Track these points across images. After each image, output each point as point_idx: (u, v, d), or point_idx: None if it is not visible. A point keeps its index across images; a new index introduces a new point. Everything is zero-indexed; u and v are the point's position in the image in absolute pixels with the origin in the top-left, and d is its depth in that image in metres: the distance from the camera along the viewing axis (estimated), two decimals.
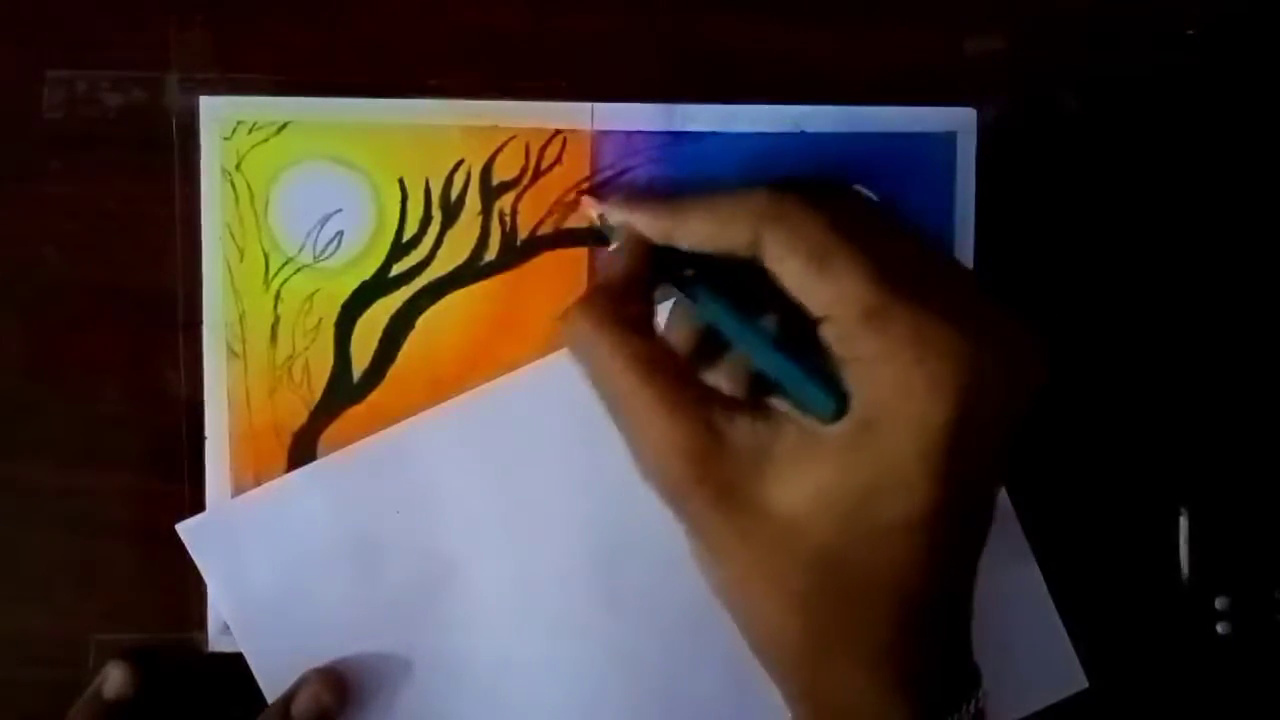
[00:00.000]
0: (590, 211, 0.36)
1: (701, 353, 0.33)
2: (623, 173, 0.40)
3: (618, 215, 0.33)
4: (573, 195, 0.40)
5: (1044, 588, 0.40)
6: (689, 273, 0.32)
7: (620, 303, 0.30)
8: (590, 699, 0.40)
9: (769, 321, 0.31)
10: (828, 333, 0.28)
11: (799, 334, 0.29)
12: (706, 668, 0.39)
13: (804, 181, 0.30)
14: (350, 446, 0.39)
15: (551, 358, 0.40)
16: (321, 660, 0.39)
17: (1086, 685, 0.40)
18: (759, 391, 0.32)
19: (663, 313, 0.34)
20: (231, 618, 0.39)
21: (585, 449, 0.39)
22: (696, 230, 0.30)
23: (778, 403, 0.29)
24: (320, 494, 0.39)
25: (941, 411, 0.26)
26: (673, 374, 0.29)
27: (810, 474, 0.27)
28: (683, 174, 0.40)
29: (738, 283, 0.30)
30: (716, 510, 0.28)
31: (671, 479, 0.29)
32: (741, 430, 0.28)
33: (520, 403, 0.39)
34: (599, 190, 0.40)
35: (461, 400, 0.39)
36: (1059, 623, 0.40)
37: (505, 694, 0.40)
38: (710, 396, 0.29)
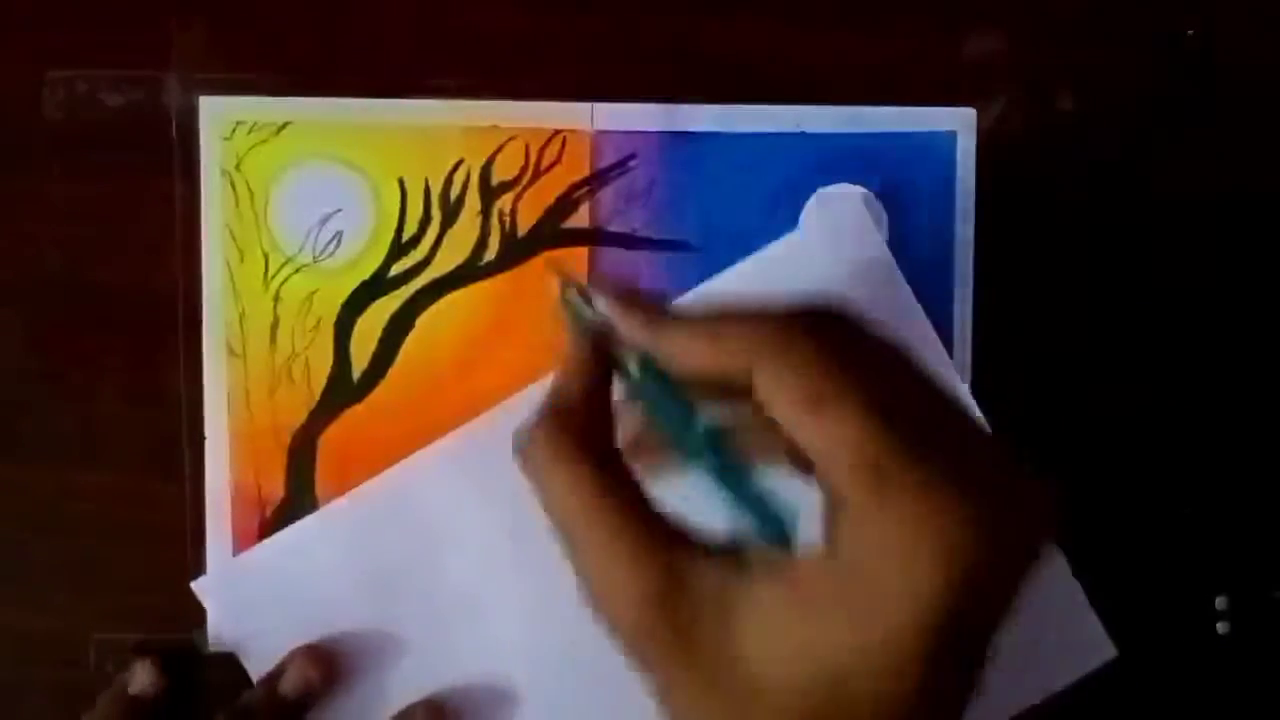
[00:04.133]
0: (566, 294, 0.30)
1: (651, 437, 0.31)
2: (623, 171, 0.40)
3: (602, 310, 0.29)
4: (573, 195, 0.40)
5: (1063, 561, 0.39)
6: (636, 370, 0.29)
7: (581, 426, 0.27)
8: (615, 716, 0.40)
9: (709, 424, 0.28)
10: (821, 478, 0.25)
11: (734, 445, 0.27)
12: None
13: (797, 306, 0.27)
14: (353, 491, 0.39)
15: (546, 381, 0.39)
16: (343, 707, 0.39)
17: (1116, 654, 0.39)
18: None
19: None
20: (253, 669, 0.39)
21: None
22: (682, 348, 0.27)
23: (742, 544, 0.27)
24: (329, 541, 0.39)
25: (943, 584, 0.24)
26: (633, 510, 0.26)
27: (787, 629, 0.25)
28: (683, 174, 0.40)
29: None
30: (678, 662, 0.26)
31: (628, 627, 0.26)
32: (705, 573, 0.26)
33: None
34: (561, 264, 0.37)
35: (460, 433, 0.39)
36: (1081, 594, 0.40)
37: (528, 716, 0.40)
38: (672, 536, 0.26)
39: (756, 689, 0.25)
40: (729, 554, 0.26)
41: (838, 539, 0.25)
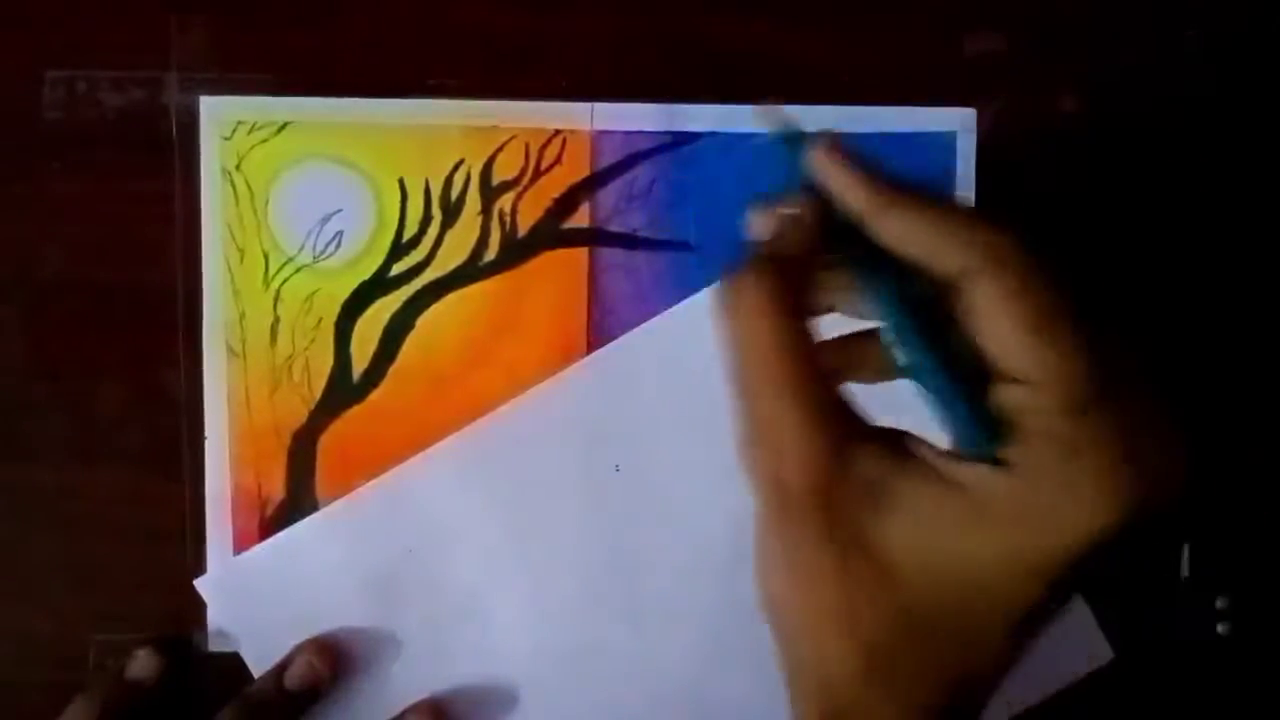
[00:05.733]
0: (771, 122, 0.29)
1: (846, 355, 0.31)
2: (623, 171, 0.40)
3: (829, 175, 0.28)
4: (572, 194, 0.40)
5: None
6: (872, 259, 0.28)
7: (793, 280, 0.27)
8: (617, 714, 0.40)
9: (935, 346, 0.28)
10: (1018, 397, 0.25)
11: (962, 359, 0.27)
12: (733, 671, 0.39)
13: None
14: (355, 492, 0.40)
15: (544, 385, 0.40)
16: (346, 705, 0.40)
17: (1113, 656, 0.40)
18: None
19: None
20: (255, 668, 0.39)
21: (587, 469, 0.40)
22: (904, 231, 0.27)
23: (913, 440, 0.27)
24: (332, 541, 0.39)
25: (1103, 523, 0.25)
26: (820, 379, 0.26)
27: (941, 531, 0.25)
28: (683, 174, 0.40)
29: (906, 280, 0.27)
30: (819, 532, 0.26)
31: (784, 487, 0.26)
32: (870, 458, 0.26)
33: (519, 430, 0.40)
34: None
35: (461, 435, 0.40)
36: (1079, 597, 0.40)
37: (531, 716, 0.40)
38: (850, 413, 0.27)
39: (888, 579, 0.26)
40: (896, 443, 0.27)
41: (1023, 460, 0.25)
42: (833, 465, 0.26)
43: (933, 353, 0.27)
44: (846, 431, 0.26)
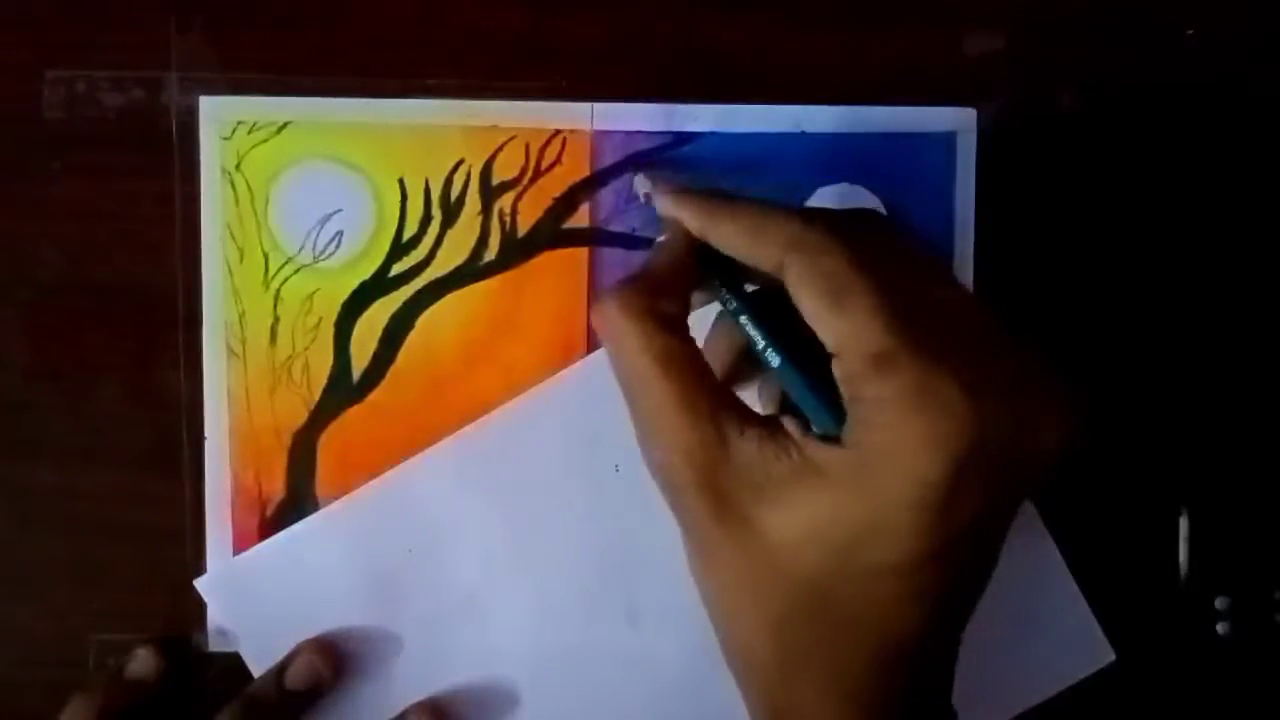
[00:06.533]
0: (640, 189, 0.35)
1: (737, 371, 0.33)
2: (623, 171, 0.40)
3: (663, 205, 0.32)
4: (573, 194, 0.40)
5: (1063, 564, 0.40)
6: (726, 275, 0.32)
7: (656, 295, 0.30)
8: (617, 714, 0.40)
9: (798, 339, 0.30)
10: (837, 369, 0.28)
11: (820, 356, 0.29)
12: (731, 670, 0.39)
13: (837, 211, 0.30)
14: (355, 492, 0.39)
15: (544, 385, 0.40)
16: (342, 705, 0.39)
17: (1114, 658, 0.40)
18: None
19: (702, 316, 0.33)
20: (254, 668, 0.39)
21: (586, 469, 0.40)
22: (728, 237, 0.30)
23: (791, 426, 0.29)
24: (331, 541, 0.39)
25: (935, 467, 0.26)
26: (695, 376, 0.29)
27: (805, 503, 0.27)
28: (683, 174, 0.40)
29: (774, 296, 0.30)
30: (711, 518, 0.28)
31: (674, 479, 0.29)
32: (749, 445, 0.28)
33: (519, 430, 0.39)
34: (651, 168, 0.39)
35: (461, 435, 0.40)
36: (1081, 598, 0.40)
37: (531, 716, 0.40)
38: (727, 406, 0.29)
39: (776, 558, 0.28)
40: (773, 429, 0.29)
41: (850, 429, 0.27)
42: (713, 454, 0.28)
43: (783, 347, 0.30)
44: (723, 419, 0.28)
